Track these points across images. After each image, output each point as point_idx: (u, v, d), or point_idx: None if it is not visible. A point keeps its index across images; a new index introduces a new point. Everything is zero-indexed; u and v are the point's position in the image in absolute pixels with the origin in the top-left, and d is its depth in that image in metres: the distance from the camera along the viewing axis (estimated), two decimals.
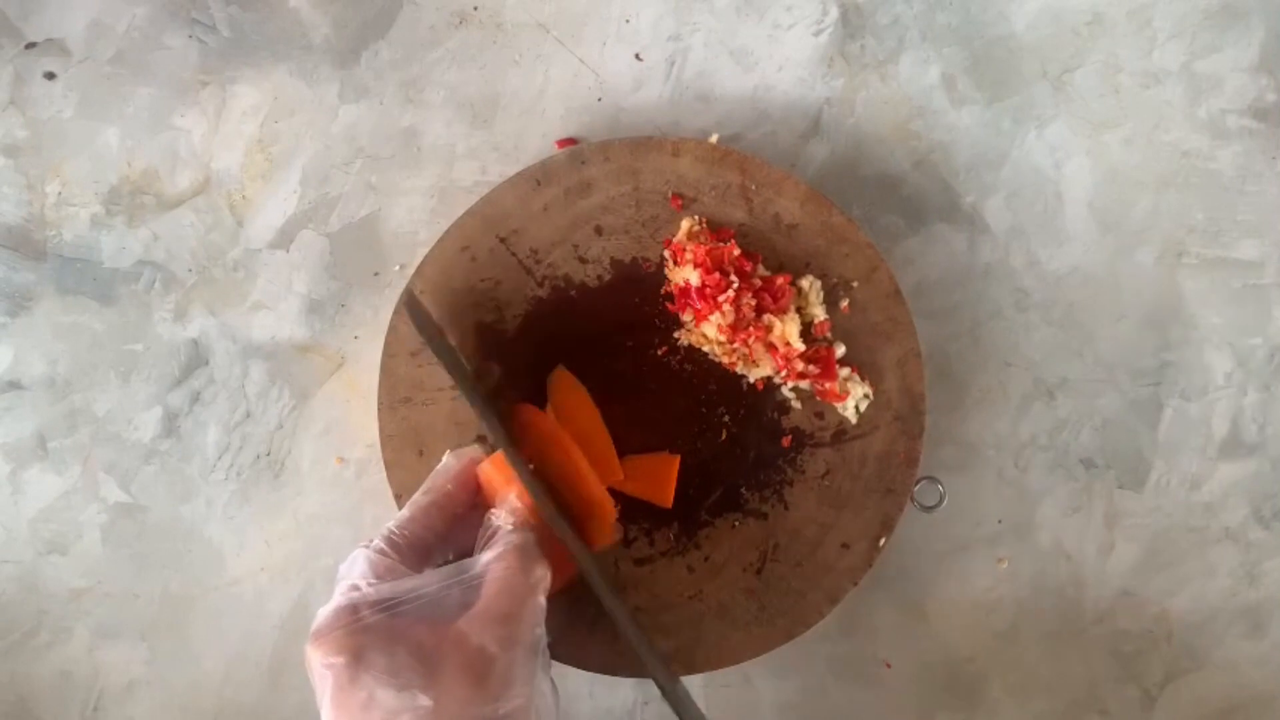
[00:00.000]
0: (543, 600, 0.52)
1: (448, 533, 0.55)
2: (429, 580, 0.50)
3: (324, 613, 0.49)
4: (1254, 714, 0.71)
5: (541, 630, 0.51)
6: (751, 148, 0.71)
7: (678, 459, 0.66)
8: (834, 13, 0.71)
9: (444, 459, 0.58)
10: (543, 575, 0.52)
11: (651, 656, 0.56)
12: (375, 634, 0.47)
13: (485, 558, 0.51)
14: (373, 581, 0.50)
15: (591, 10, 0.71)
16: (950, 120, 0.71)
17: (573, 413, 0.64)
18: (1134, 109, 0.71)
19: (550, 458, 0.60)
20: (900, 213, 0.71)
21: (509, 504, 0.55)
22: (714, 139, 0.67)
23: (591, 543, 0.60)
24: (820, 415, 0.66)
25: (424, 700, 0.46)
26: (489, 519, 0.55)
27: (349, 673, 0.46)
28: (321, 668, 0.47)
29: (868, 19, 0.71)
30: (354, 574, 0.51)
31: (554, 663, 0.63)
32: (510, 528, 0.54)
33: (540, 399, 0.66)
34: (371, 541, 0.52)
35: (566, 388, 0.65)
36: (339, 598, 0.49)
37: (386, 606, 0.49)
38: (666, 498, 0.65)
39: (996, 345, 0.71)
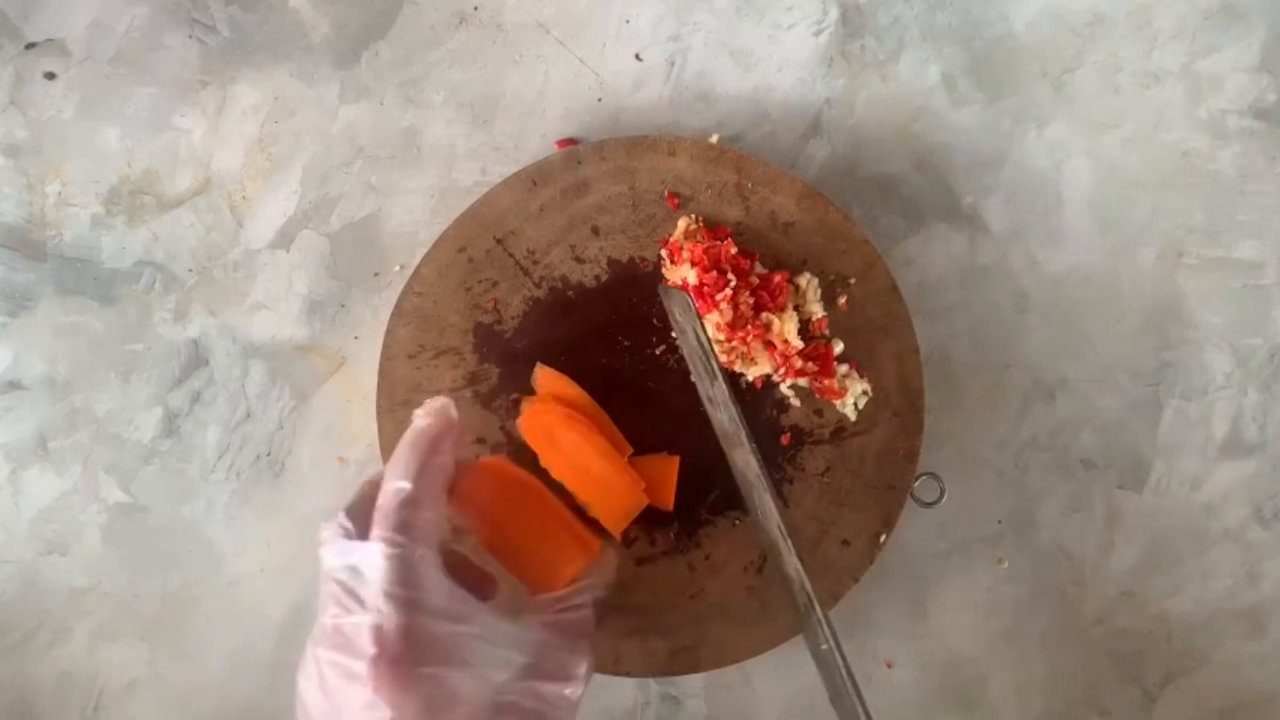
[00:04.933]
0: (587, 677, 0.51)
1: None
2: (493, 626, 0.46)
3: (390, 624, 0.44)
4: (1254, 714, 0.71)
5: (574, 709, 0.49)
6: (752, 148, 0.71)
7: (677, 459, 0.66)
8: (834, 13, 0.71)
9: (417, 421, 0.51)
10: (591, 665, 0.50)
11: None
12: (445, 679, 0.44)
13: (547, 622, 0.49)
14: (433, 602, 0.45)
15: (591, 10, 0.71)
16: (950, 120, 0.71)
17: (567, 403, 0.64)
18: (1134, 109, 0.71)
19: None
20: (900, 213, 0.71)
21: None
22: (714, 139, 0.67)
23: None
24: (819, 412, 0.66)
25: None
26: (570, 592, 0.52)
27: None
28: (385, 698, 0.43)
29: (868, 19, 0.71)
30: (401, 581, 0.45)
31: None
32: (592, 590, 0.52)
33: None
34: (393, 537, 0.45)
35: (552, 381, 0.65)
36: (399, 613, 0.44)
37: (455, 638, 0.44)
38: (667, 500, 0.65)
39: (996, 345, 0.71)
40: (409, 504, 0.47)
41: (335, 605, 0.45)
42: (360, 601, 0.44)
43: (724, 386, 0.59)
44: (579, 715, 0.70)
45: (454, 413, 0.51)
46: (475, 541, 0.51)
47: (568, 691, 0.49)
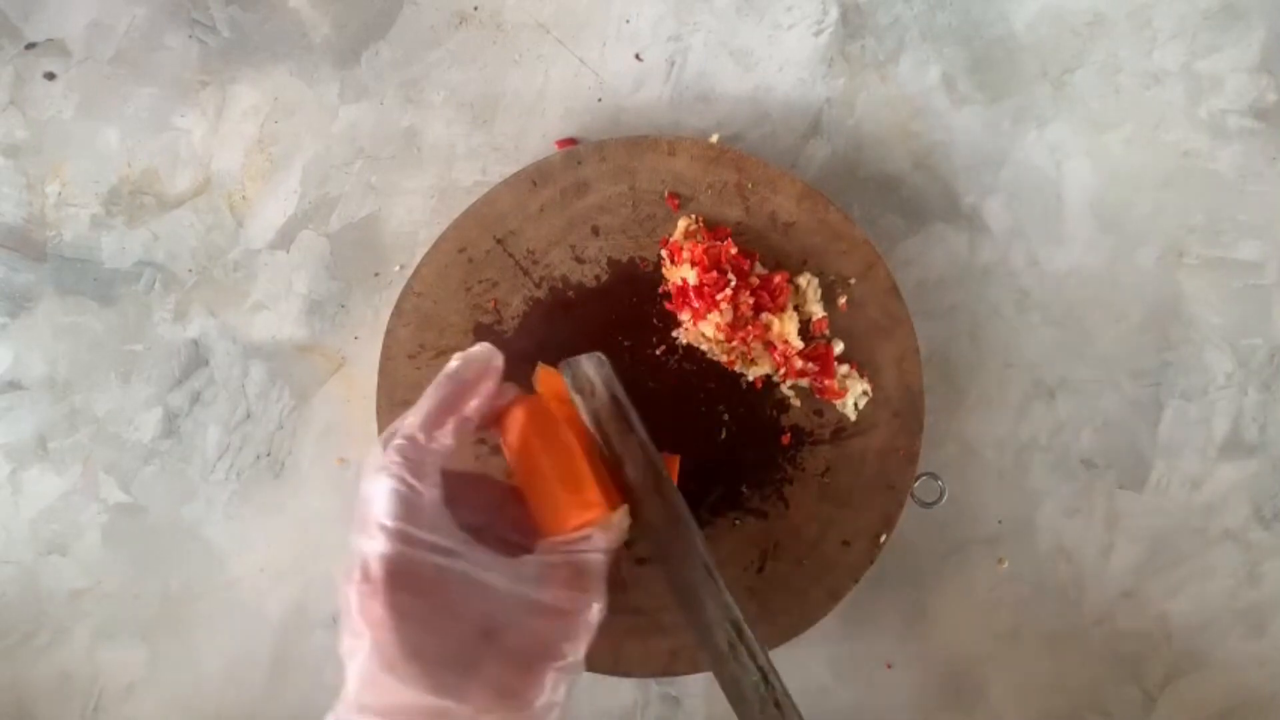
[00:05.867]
0: (594, 621, 0.51)
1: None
2: (486, 561, 0.48)
3: (376, 553, 0.45)
4: (1254, 714, 0.71)
5: (581, 656, 0.50)
6: (752, 148, 0.71)
7: (677, 459, 0.66)
8: (834, 13, 0.71)
9: (449, 364, 0.53)
10: (600, 609, 0.51)
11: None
12: (426, 609, 0.45)
13: (547, 561, 0.50)
14: (422, 535, 0.46)
15: (592, 10, 0.71)
16: (950, 120, 0.71)
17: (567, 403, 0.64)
18: (1134, 109, 0.71)
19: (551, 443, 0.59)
20: (900, 213, 0.71)
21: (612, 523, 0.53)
22: (714, 139, 0.67)
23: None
24: (819, 413, 0.66)
25: (453, 707, 0.45)
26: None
27: (395, 649, 0.44)
28: (364, 622, 0.44)
29: (868, 19, 0.71)
30: (395, 514, 0.46)
31: None
32: (598, 543, 0.52)
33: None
34: (397, 473, 0.47)
35: (553, 381, 0.65)
36: (387, 543, 0.45)
37: (441, 571, 0.46)
38: None
39: (996, 345, 0.71)
40: (416, 443, 0.49)
41: (357, 528, 0.47)
42: (364, 528, 0.47)
43: (642, 434, 0.56)
44: (578, 716, 0.70)
45: (498, 361, 0.53)
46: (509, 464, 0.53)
47: (568, 626, 0.50)
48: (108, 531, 0.70)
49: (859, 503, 0.66)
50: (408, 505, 0.47)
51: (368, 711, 0.45)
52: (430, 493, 0.48)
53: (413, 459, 0.48)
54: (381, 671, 0.44)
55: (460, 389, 0.52)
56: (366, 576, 0.45)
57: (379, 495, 0.47)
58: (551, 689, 0.48)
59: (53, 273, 0.70)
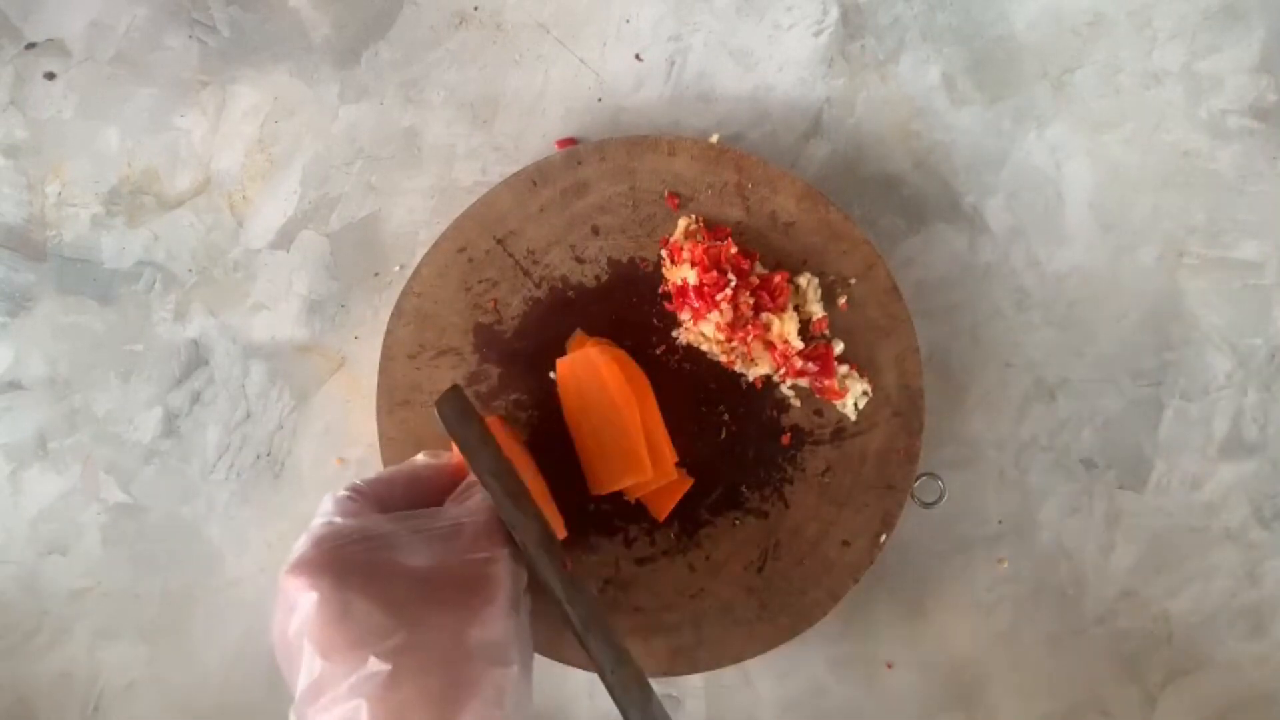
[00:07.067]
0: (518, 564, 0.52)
1: (408, 507, 0.54)
2: (400, 524, 0.50)
3: (304, 542, 0.48)
4: (1254, 714, 0.70)
5: (522, 586, 0.51)
6: (752, 148, 0.71)
7: (690, 483, 0.66)
8: (834, 13, 0.71)
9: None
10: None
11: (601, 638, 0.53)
12: (358, 562, 0.47)
13: (456, 510, 0.52)
14: (345, 519, 0.50)
15: (592, 10, 0.71)
16: (950, 120, 0.71)
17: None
18: (1134, 109, 0.71)
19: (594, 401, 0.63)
20: (900, 213, 0.71)
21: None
22: (714, 139, 0.66)
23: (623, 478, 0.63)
24: (819, 413, 0.66)
25: (407, 628, 0.46)
26: (467, 481, 0.55)
27: (337, 596, 0.46)
28: (306, 591, 0.46)
29: (868, 19, 0.71)
30: (324, 512, 0.51)
31: (557, 663, 0.63)
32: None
33: (537, 399, 0.66)
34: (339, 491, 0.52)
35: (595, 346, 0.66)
36: (316, 528, 0.49)
37: (365, 537, 0.48)
38: (661, 512, 0.65)
39: (997, 345, 0.71)
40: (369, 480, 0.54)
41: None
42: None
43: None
44: (578, 716, 0.70)
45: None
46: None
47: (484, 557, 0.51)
48: (108, 531, 0.70)
49: (859, 503, 0.66)
50: (334, 504, 0.51)
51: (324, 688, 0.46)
52: (359, 500, 0.52)
53: (360, 490, 0.53)
54: (332, 626, 0.46)
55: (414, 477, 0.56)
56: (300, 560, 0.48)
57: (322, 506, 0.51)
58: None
59: (53, 273, 0.70)
